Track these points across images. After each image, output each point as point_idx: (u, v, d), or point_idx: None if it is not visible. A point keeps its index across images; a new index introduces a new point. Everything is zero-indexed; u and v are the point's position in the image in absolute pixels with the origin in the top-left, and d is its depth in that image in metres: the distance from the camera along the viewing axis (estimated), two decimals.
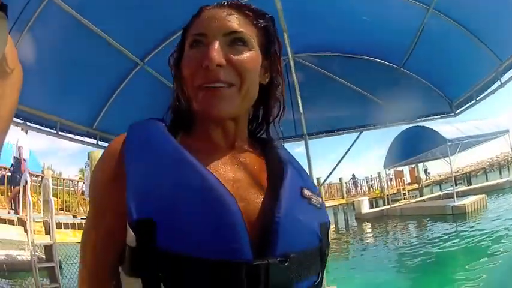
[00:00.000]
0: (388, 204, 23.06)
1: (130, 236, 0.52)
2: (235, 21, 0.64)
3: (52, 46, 2.83)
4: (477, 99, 3.73)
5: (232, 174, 0.63)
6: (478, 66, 3.46)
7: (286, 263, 0.52)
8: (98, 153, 8.23)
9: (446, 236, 11.26)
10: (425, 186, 29.92)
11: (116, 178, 0.58)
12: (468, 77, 3.69)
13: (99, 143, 3.82)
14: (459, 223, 12.69)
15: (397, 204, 22.45)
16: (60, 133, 3.34)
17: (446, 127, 15.99)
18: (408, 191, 25.56)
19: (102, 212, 0.61)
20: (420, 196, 26.33)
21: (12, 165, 9.05)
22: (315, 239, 0.61)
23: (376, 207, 24.85)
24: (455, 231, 11.80)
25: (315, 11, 3.42)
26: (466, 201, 14.81)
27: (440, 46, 3.47)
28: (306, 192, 0.63)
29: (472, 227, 11.72)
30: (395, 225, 17.18)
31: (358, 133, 4.67)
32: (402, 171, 27.27)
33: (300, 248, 0.56)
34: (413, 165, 27.52)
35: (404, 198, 23.90)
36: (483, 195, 15.62)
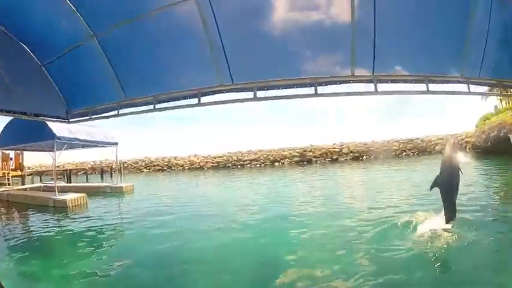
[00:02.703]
0: None
1: None
2: None
3: None
4: (92, 117, 4.67)
5: None
6: (106, 93, 4.22)
7: None
8: None
9: (48, 226, 11.63)
10: (28, 175, 29.23)
11: None
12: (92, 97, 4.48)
13: None
14: (60, 216, 13.37)
15: (3, 189, 21.14)
16: None
17: (60, 125, 16.49)
18: (12, 176, 24.51)
19: None
20: (22, 184, 25.64)
21: None
22: None
23: None
24: (57, 222, 12.31)
25: None
26: (67, 197, 15.82)
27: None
28: None
29: (74, 219, 12.63)
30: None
31: None
32: (8, 154, 25.17)
33: None
34: (19, 152, 26.25)
35: (9, 184, 22.76)
36: (83, 194, 16.57)
